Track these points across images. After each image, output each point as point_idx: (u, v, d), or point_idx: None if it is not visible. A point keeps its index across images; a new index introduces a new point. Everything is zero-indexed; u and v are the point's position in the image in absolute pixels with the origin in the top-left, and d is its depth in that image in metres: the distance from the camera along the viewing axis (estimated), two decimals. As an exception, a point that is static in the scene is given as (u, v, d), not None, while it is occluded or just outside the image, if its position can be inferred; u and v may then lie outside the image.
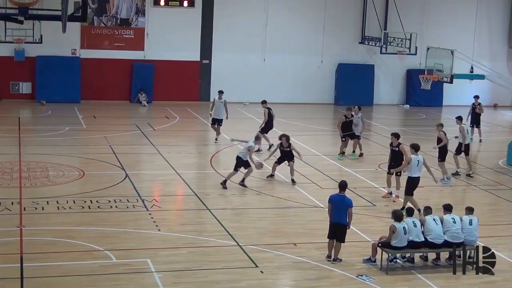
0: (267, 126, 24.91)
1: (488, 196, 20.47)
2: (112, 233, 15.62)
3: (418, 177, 17.78)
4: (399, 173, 18.92)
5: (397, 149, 19.15)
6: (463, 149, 22.14)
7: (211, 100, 36.31)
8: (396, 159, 19.04)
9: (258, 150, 23.37)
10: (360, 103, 36.00)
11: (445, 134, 21.46)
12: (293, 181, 20.32)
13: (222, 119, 25.96)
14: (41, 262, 13.71)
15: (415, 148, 18.03)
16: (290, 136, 20.91)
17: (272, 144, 23.62)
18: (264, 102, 25.35)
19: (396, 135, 19.32)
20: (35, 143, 24.99)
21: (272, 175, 20.83)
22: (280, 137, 20.65)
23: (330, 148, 25.92)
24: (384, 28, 37.12)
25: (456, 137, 22.45)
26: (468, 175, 22.32)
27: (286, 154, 20.60)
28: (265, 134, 24.46)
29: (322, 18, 37.50)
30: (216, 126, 26.03)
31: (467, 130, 22.63)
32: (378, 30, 37.36)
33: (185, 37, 36.04)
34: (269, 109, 24.95)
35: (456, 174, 22.13)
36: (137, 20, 35.62)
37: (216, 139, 25.92)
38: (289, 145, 20.54)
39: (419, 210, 16.54)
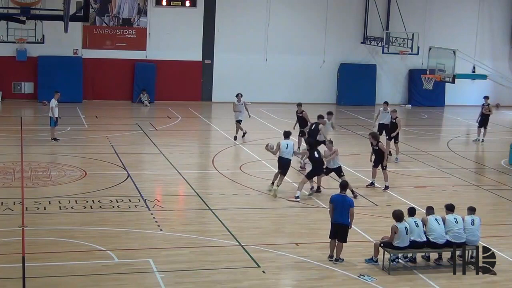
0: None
1: (490, 196, 20.45)
2: (114, 233, 15.63)
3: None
4: (384, 167, 20.16)
5: (377, 147, 20.29)
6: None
7: (213, 100, 36.55)
8: (378, 156, 20.34)
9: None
10: (362, 103, 36.31)
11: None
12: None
13: None
14: (43, 262, 13.72)
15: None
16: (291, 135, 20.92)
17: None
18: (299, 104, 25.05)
19: (374, 136, 20.53)
20: (37, 143, 25.01)
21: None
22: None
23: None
24: (386, 28, 37.11)
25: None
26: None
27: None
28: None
29: (324, 18, 37.51)
30: None
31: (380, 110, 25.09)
32: (380, 30, 37.36)
33: (187, 37, 36.07)
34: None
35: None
36: (139, 20, 35.64)
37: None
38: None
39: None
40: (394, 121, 24.14)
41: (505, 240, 16.38)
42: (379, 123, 25.06)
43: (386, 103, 25.64)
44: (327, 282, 13.46)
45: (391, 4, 37.75)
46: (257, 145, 25.28)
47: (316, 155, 19.04)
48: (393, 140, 24.19)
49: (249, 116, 27.14)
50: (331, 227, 14.41)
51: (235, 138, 26.64)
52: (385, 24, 37.64)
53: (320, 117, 22.65)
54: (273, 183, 19.39)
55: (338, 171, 19.40)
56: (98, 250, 14.42)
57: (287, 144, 19.39)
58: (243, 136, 26.95)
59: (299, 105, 25.03)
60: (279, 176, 19.36)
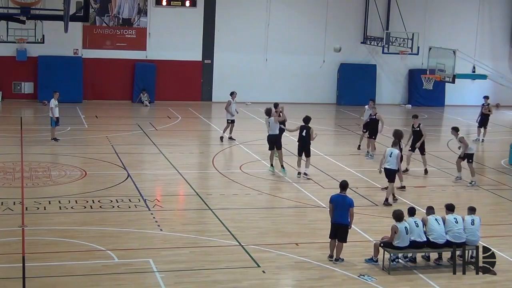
0: None
1: (490, 196, 20.45)
2: (114, 233, 15.63)
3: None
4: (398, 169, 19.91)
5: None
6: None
7: (213, 100, 36.59)
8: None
9: None
10: (362, 103, 36.28)
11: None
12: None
13: None
14: (43, 262, 13.72)
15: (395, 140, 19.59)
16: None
17: None
18: None
19: (395, 134, 20.02)
20: (37, 143, 25.00)
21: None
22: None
23: (332, 148, 25.92)
24: (386, 28, 37.12)
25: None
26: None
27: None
28: None
29: (324, 18, 37.51)
30: None
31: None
32: (380, 30, 37.37)
33: (187, 37, 36.07)
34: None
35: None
36: (139, 20, 35.64)
37: None
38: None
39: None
40: (374, 117, 24.28)
41: (505, 240, 16.38)
42: (365, 120, 25.28)
43: (372, 100, 25.83)
44: (327, 282, 13.46)
45: (391, 4, 37.75)
46: (257, 145, 25.29)
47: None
48: (371, 136, 24.58)
49: (232, 114, 26.57)
50: (331, 227, 14.42)
51: (230, 138, 26.45)
52: (385, 24, 37.64)
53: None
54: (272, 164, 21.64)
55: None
56: (98, 250, 14.42)
57: (269, 122, 21.88)
58: (221, 138, 26.39)
59: (275, 105, 24.55)
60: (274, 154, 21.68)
